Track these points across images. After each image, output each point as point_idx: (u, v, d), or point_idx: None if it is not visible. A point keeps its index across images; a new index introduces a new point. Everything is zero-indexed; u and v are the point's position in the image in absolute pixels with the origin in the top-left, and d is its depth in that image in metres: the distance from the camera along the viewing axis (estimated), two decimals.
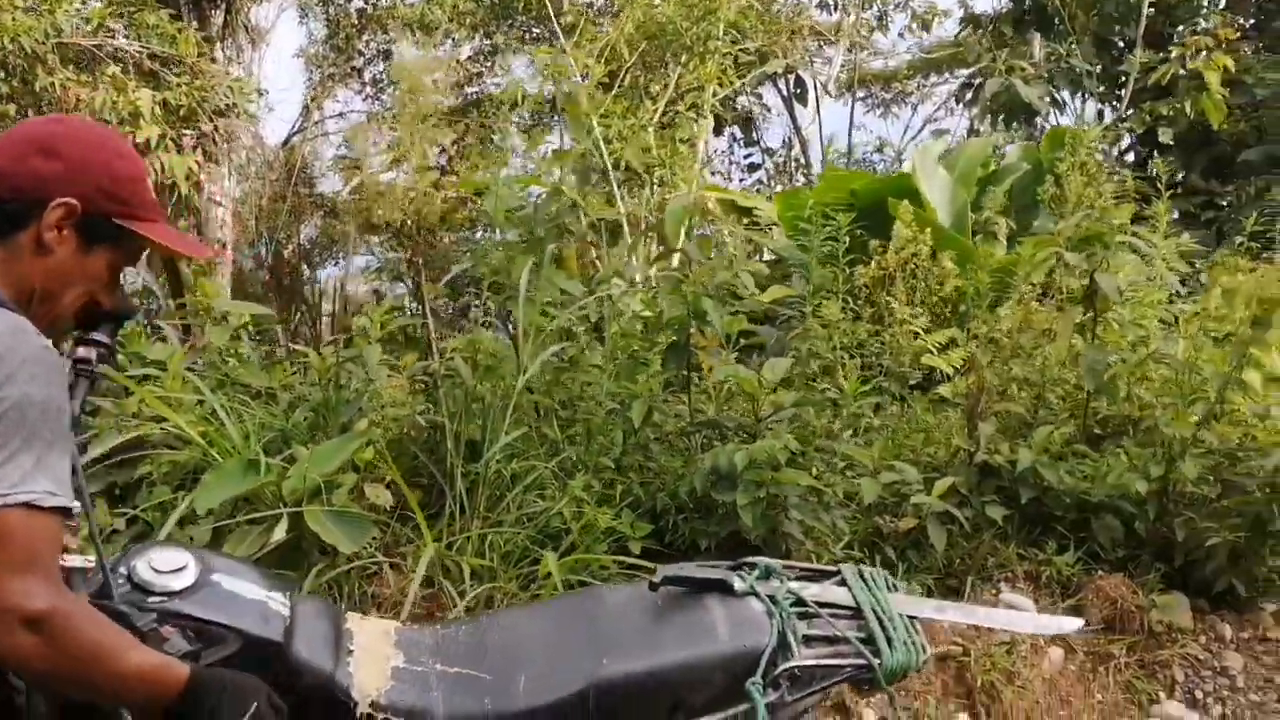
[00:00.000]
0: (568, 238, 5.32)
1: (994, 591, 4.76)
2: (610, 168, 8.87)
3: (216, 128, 11.89)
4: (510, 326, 4.77)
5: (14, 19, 9.70)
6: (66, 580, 1.81)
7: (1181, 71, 9.38)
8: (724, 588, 2.26)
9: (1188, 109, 9.32)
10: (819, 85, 18.00)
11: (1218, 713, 4.55)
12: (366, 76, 21.05)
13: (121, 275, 1.87)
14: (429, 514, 4.43)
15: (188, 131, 10.88)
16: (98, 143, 1.82)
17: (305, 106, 21.11)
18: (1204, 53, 9.28)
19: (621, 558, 4.38)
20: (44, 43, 9.89)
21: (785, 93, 17.85)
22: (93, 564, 1.88)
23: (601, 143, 8.20)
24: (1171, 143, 10.68)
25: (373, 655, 2.07)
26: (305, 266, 19.98)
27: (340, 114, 22.20)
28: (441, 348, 4.70)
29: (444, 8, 17.52)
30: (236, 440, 4.14)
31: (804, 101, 17.61)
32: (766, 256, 9.47)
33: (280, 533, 3.88)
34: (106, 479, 4.51)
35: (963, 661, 4.41)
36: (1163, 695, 4.60)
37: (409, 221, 12.51)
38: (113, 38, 11.00)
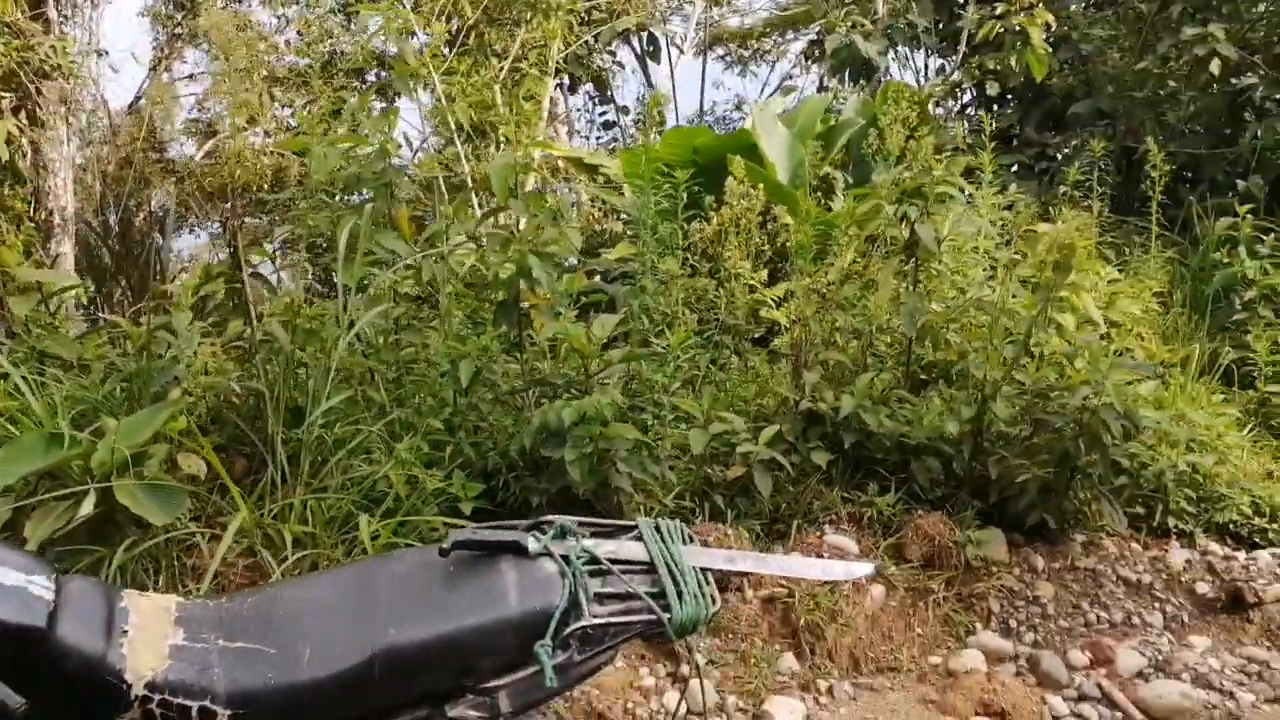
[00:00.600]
0: (395, 198, 5.24)
1: (819, 534, 4.89)
2: (455, 127, 8.76)
3: (39, 90, 11.37)
4: (325, 287, 4.69)
5: None
6: None
7: (1009, 28, 9.63)
8: (517, 549, 2.25)
9: (1013, 63, 9.58)
10: (672, 42, 18.00)
11: (1030, 639, 4.76)
12: (207, 34, 20.33)
13: None
14: (252, 482, 4.36)
15: (7, 94, 10.37)
16: None
17: (152, 68, 20.28)
18: (1028, 9, 9.54)
19: (452, 520, 4.37)
20: None
21: (639, 50, 17.81)
22: None
23: (445, 101, 8.08)
24: (1008, 96, 10.97)
25: (149, 634, 2.00)
26: (159, 235, 19.24)
27: (190, 75, 21.40)
28: (260, 313, 4.58)
29: None
30: (41, 414, 3.99)
31: (657, 59, 17.61)
32: (624, 216, 9.50)
33: (88, 507, 3.77)
34: None
35: (788, 603, 4.53)
36: (979, 626, 4.79)
37: (236, 186, 12.15)
38: None
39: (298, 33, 20.92)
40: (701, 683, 4.10)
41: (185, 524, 3.97)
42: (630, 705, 4.13)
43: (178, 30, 20.13)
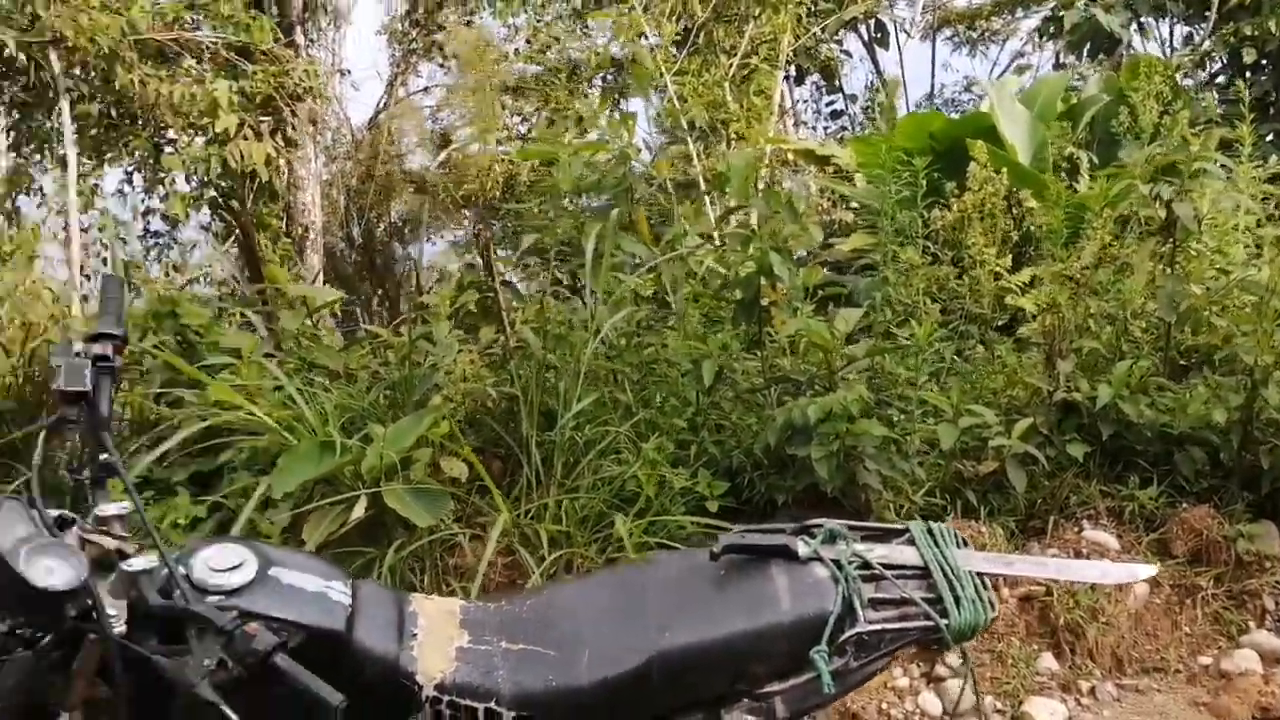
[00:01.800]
0: (636, 201, 5.32)
1: (1077, 530, 4.68)
2: (686, 127, 8.81)
3: (293, 112, 12.10)
4: (582, 294, 4.80)
5: (90, 19, 9.94)
6: (131, 583, 1.86)
7: None
8: (787, 554, 2.23)
9: (1273, 27, 8.89)
10: (901, 27, 17.64)
11: None
12: (449, 50, 21.14)
13: None
14: (508, 484, 4.50)
15: (265, 118, 11.08)
16: None
17: (389, 84, 21.22)
18: None
19: (698, 518, 4.40)
20: (121, 40, 10.12)
21: (866, 38, 17.52)
22: (154, 565, 1.91)
23: (676, 102, 8.14)
24: (1263, 62, 10.22)
25: (437, 637, 2.08)
26: (398, 244, 20.15)
27: (425, 89, 22.28)
28: (514, 320, 4.73)
29: None
30: (314, 423, 4.23)
31: (885, 45, 17.27)
32: (853, 205, 9.35)
33: (359, 511, 3.98)
34: (190, 468, 4.68)
35: (1046, 601, 4.35)
36: (1253, 625, 4.49)
37: (477, 195, 12.57)
38: (188, 30, 11.20)
39: (526, 41, 21.55)
40: (976, 687, 3.99)
41: (448, 525, 4.13)
42: (885, 705, 4.06)
43: (413, 46, 21.03)
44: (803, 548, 2.21)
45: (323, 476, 3.98)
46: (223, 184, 10.82)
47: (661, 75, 7.47)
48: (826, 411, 4.43)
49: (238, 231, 11.43)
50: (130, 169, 11.91)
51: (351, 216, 19.54)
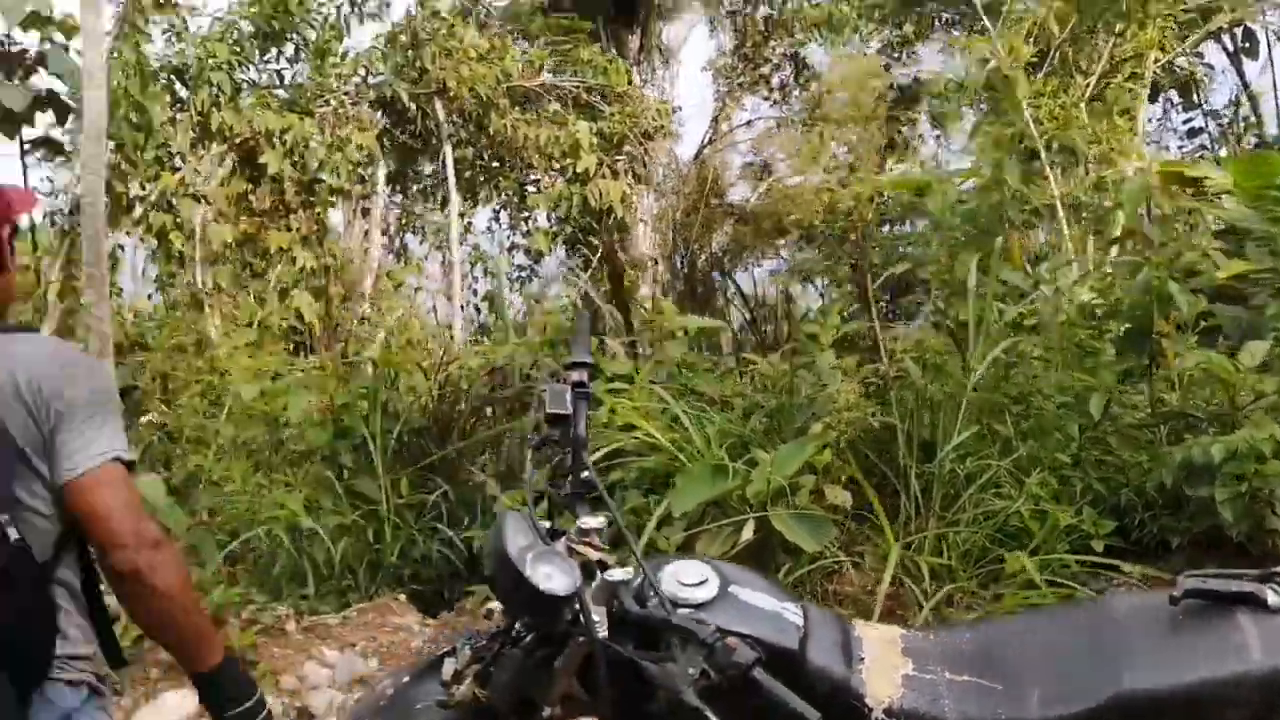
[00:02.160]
0: (1008, 228, 5.20)
1: None
2: (1042, 149, 8.52)
3: (646, 150, 12.63)
4: (952, 323, 4.74)
5: (470, 69, 10.80)
6: (612, 592, 2.01)
7: None
8: (1255, 601, 2.11)
9: None
10: (1271, 34, 16.30)
11: None
12: (774, 82, 21.42)
13: None
14: (886, 513, 4.48)
15: (620, 157, 11.63)
16: None
17: (714, 118, 21.68)
18: None
19: (1083, 556, 4.24)
20: (496, 88, 10.93)
21: (1231, 48, 16.32)
22: (631, 576, 2.05)
23: (1032, 124, 7.90)
24: None
25: (882, 662, 2.10)
26: (716, 274, 20.47)
27: (748, 122, 22.59)
28: (890, 349, 4.73)
29: (852, 4, 17.41)
30: (700, 446, 4.39)
31: (1254, 55, 16.01)
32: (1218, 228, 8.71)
33: (748, 533, 4.10)
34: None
35: None
36: None
37: (837, 223, 12.58)
38: (551, 75, 11.93)
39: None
40: None
41: (833, 552, 4.18)
42: None
43: (740, 80, 21.39)
44: (1272, 597, 2.09)
45: (713, 499, 4.11)
46: (581, 219, 11.41)
47: (1018, 98, 7.25)
48: (1232, 451, 4.15)
49: (593, 263, 11.99)
50: (497, 208, 12.80)
51: (676, 247, 20.08)
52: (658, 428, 4.73)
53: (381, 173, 11.35)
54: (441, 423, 5.44)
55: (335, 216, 11.63)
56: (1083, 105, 9.92)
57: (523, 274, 13.41)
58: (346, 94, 10.60)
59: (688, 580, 2.05)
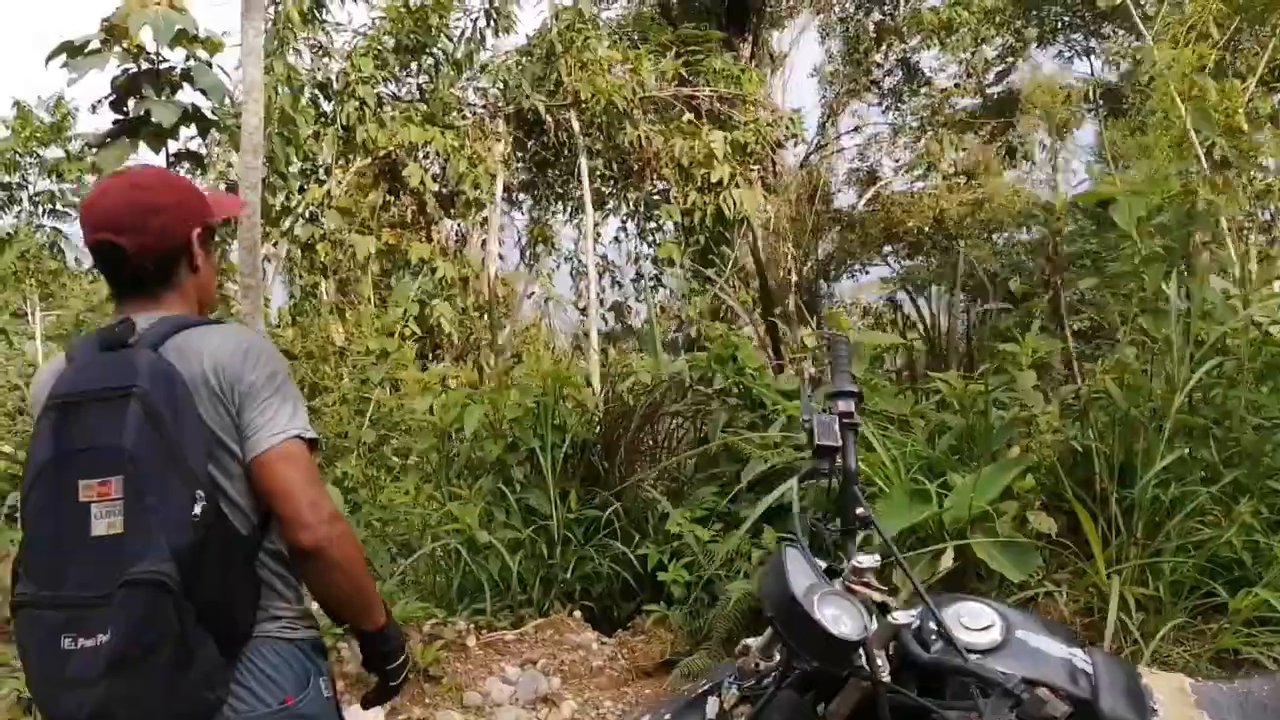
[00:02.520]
0: (1200, 242, 4.98)
1: None
2: (1201, 156, 8.20)
3: (775, 160, 12.52)
4: (1154, 342, 4.52)
5: (606, 80, 10.80)
6: (893, 634, 1.91)
7: None
8: None
9: None
10: None
11: None
12: (886, 86, 21.15)
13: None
14: (1082, 541, 4.31)
15: (755, 166, 11.54)
16: (163, 183, 2.17)
17: (821, 124, 21.43)
18: None
19: None
20: (631, 99, 10.91)
21: None
22: (915, 618, 1.95)
23: (1207, 133, 7.60)
24: None
25: (1177, 714, 1.99)
26: (822, 281, 20.22)
27: (856, 128, 22.36)
28: (1087, 370, 4.54)
29: (970, 8, 17.10)
30: (890, 470, 4.27)
31: None
32: None
33: (948, 561, 3.96)
34: (759, 505, 4.88)
35: None
36: None
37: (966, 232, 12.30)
38: (684, 86, 11.87)
39: (967, 74, 21.12)
40: None
41: (1038, 580, 4.02)
42: None
43: (851, 86, 21.14)
44: None
45: (912, 525, 3.99)
46: (714, 229, 11.32)
47: (1175, 102, 6.96)
48: None
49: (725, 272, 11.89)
50: (625, 218, 12.80)
51: (784, 254, 19.90)
52: None
53: (499, 185, 11.37)
54: (607, 437, 5.39)
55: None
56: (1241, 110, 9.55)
57: (651, 283, 13.41)
58: (484, 107, 10.68)
59: (973, 624, 1.94)
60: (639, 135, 11.01)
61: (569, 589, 5.09)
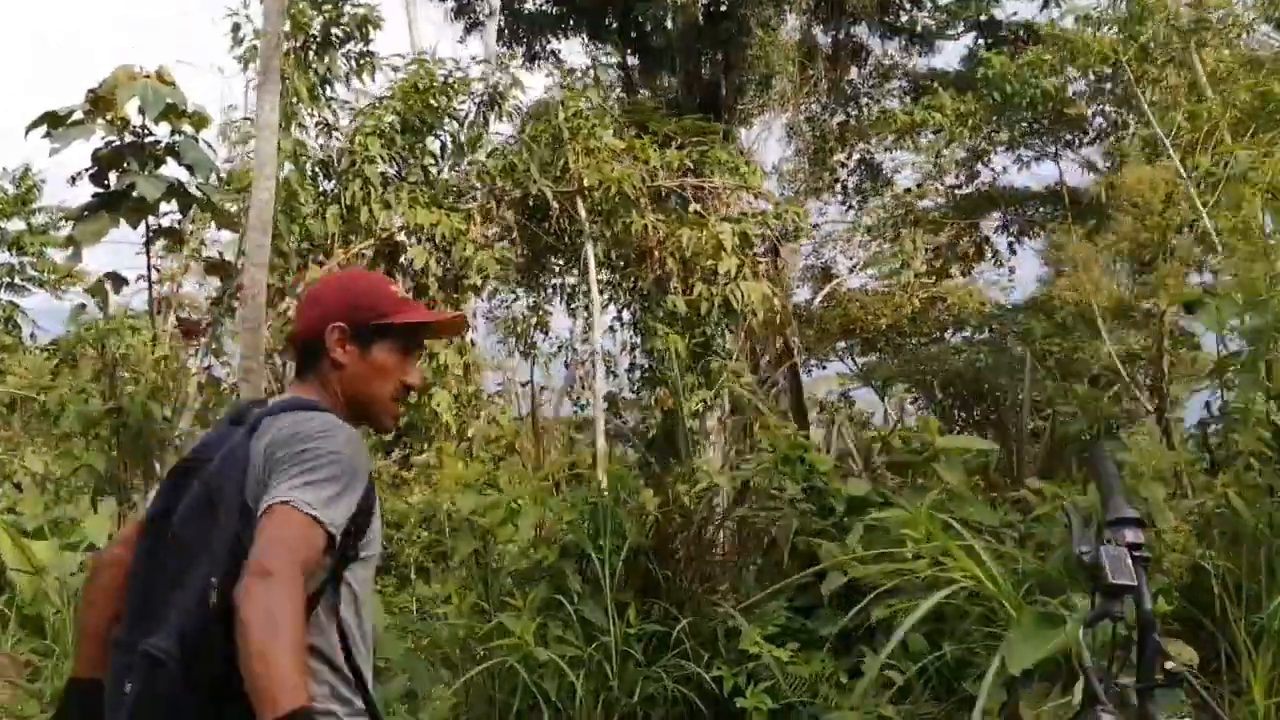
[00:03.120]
0: None
1: None
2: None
3: (777, 253, 12.34)
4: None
5: (614, 168, 10.58)
6: None
7: None
8: None
9: None
10: None
11: None
12: (849, 185, 21.32)
13: (415, 358, 2.31)
14: (1207, 671, 3.97)
15: (763, 259, 11.33)
16: (338, 283, 2.45)
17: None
18: None
19: None
20: (639, 188, 10.69)
21: None
22: None
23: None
24: None
25: None
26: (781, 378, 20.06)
27: (815, 225, 22.42)
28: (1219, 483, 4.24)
29: (944, 111, 17.21)
30: (1004, 586, 3.93)
31: None
32: None
33: (1079, 696, 3.60)
34: (837, 622, 4.53)
35: None
36: None
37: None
38: (689, 177, 11.69)
39: (932, 173, 21.31)
40: None
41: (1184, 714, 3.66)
42: None
43: (813, 184, 21.27)
44: None
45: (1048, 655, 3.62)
46: (721, 321, 11.05)
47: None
48: None
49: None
50: (622, 308, 12.48)
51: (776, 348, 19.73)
52: (925, 563, 4.29)
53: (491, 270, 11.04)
54: (665, 544, 5.01)
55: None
56: None
57: (645, 375, 13.08)
58: (491, 191, 10.40)
59: None
60: (645, 224, 10.76)
61: (627, 711, 4.65)
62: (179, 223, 9.89)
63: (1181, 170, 9.29)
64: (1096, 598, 2.01)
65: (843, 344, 21.85)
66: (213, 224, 10.18)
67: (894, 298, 19.98)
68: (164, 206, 9.40)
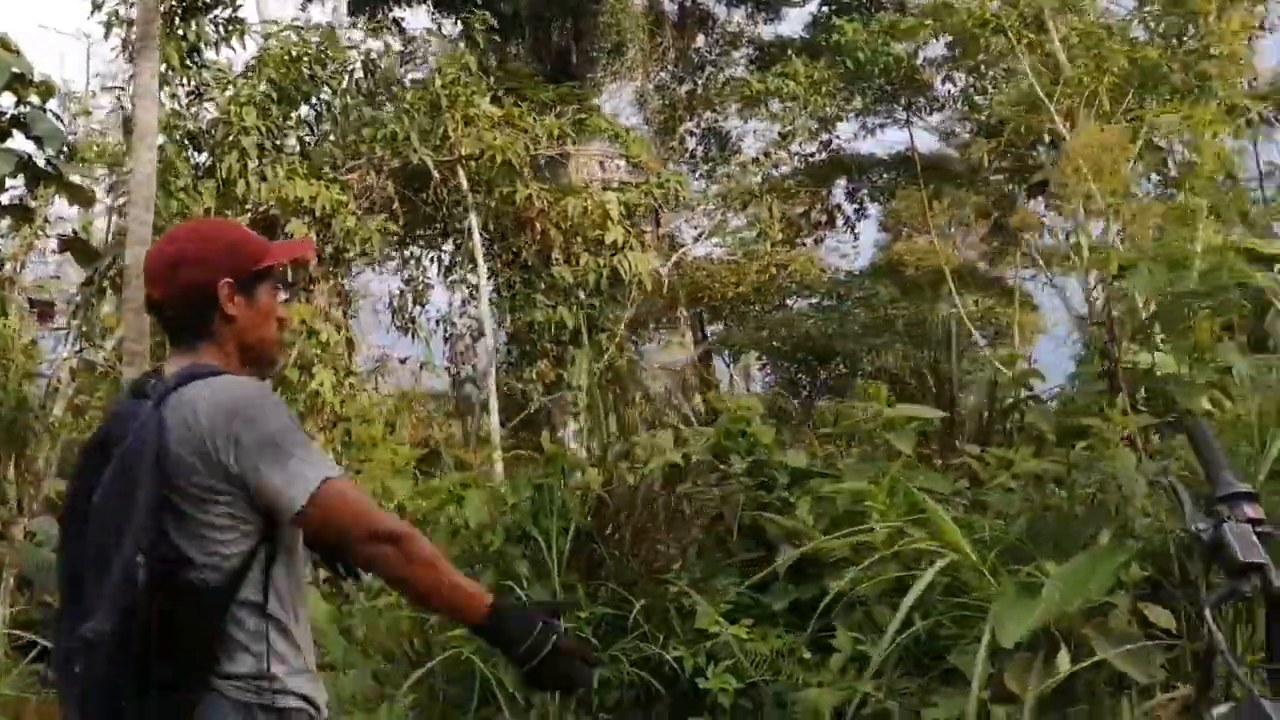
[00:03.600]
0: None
1: None
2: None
3: (658, 223, 12.25)
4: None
5: (495, 137, 10.29)
6: None
7: None
8: None
9: None
10: None
11: None
12: (697, 154, 21.38)
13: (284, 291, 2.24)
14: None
15: (647, 230, 11.22)
16: (207, 235, 2.33)
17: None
18: None
19: None
20: (522, 157, 10.44)
21: None
22: None
23: None
24: None
25: None
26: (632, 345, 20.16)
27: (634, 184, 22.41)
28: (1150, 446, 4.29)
29: (798, 79, 17.26)
30: (985, 557, 3.90)
31: None
32: None
33: (1065, 664, 3.61)
34: (788, 595, 4.48)
35: None
36: None
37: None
38: (565, 144, 11.48)
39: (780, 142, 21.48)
40: None
41: (1167, 683, 3.70)
42: None
43: (660, 154, 21.28)
44: None
45: (1042, 626, 3.60)
46: (605, 292, 10.88)
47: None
48: None
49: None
50: (501, 281, 12.22)
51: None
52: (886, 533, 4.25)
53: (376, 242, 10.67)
54: (605, 524, 4.85)
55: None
56: None
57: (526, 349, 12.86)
58: (370, 161, 10.00)
59: None
60: (529, 194, 10.52)
61: (582, 697, 4.48)
62: (21, 199, 9.24)
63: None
64: (1216, 577, 1.94)
65: (688, 313, 21.95)
66: (59, 199, 9.52)
67: (740, 266, 20.09)
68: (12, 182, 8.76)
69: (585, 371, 8.99)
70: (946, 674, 3.93)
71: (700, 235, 21.94)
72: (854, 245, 22.23)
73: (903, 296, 21.54)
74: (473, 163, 10.45)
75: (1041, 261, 18.11)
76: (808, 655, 4.31)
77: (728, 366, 22.17)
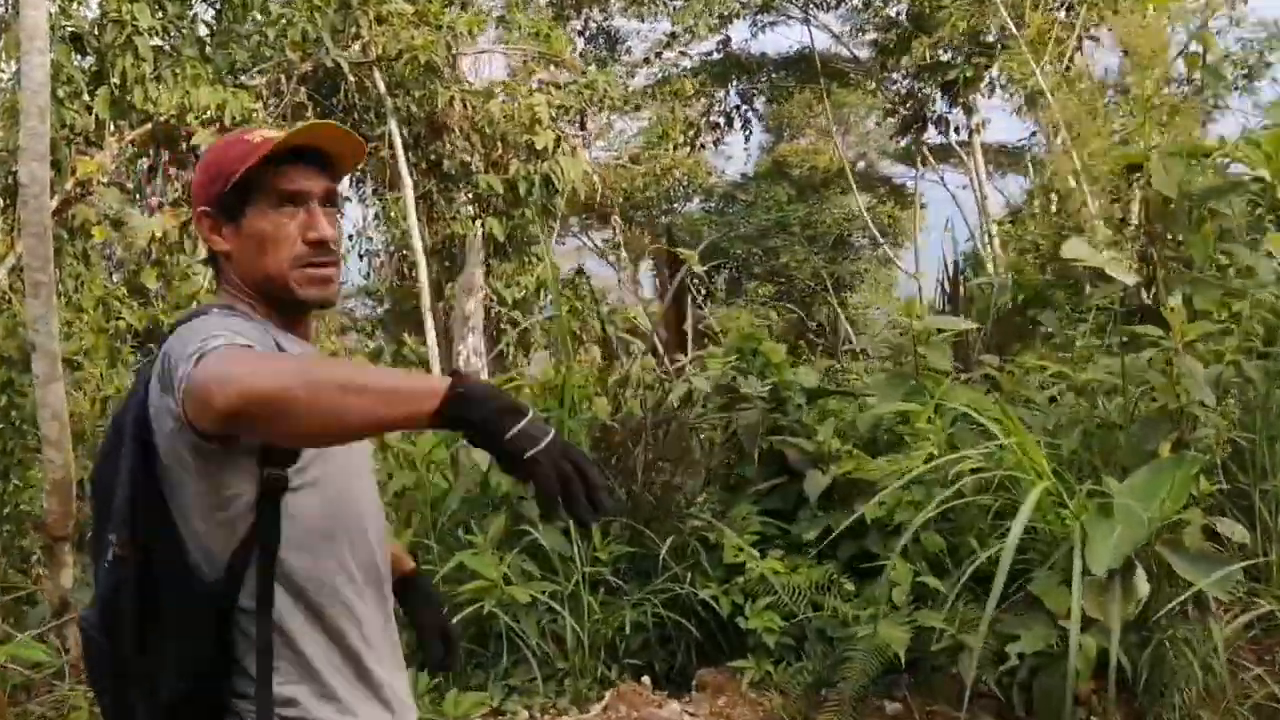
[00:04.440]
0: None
1: None
2: None
3: (584, 125, 11.70)
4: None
5: (412, 36, 9.59)
6: None
7: None
8: None
9: None
10: None
11: None
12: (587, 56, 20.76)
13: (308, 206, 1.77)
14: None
15: (580, 133, 10.68)
16: (199, 165, 1.90)
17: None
18: None
19: None
20: (445, 58, 9.78)
21: None
22: None
23: None
24: None
25: None
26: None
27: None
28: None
29: None
30: (1046, 475, 3.65)
31: None
32: None
33: (1144, 585, 3.41)
34: (819, 524, 4.22)
35: None
36: None
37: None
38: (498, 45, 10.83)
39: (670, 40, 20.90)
40: None
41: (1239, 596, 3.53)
42: None
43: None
44: None
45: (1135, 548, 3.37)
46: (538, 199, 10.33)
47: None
48: None
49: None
50: (425, 192, 11.59)
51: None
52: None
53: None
54: (614, 456, 4.50)
55: None
56: None
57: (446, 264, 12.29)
58: (279, 65, 9.24)
59: None
60: (451, 96, 9.89)
61: (604, 643, 4.17)
62: None
63: None
64: None
65: (577, 218, 21.59)
66: None
67: (627, 171, 19.66)
68: None
69: (556, 295, 8.52)
70: (1008, 600, 3.70)
71: (590, 138, 21.46)
72: (745, 147, 21.94)
73: (798, 198, 21.57)
74: (395, 65, 9.77)
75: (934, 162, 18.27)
76: (850, 586, 4.07)
77: (617, 273, 21.96)
